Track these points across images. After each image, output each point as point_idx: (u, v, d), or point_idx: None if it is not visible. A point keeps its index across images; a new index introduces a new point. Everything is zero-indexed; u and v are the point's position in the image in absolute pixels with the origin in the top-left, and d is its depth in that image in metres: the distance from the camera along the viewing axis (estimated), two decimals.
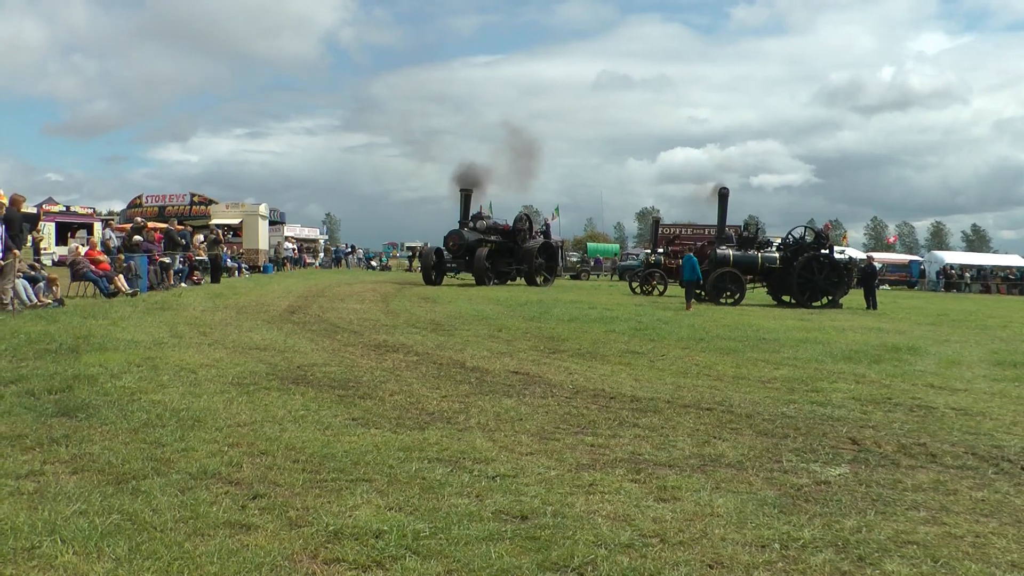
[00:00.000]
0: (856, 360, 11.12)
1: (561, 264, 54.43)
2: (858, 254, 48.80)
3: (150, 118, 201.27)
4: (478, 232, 30.44)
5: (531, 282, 31.16)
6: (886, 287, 45.64)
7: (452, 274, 30.83)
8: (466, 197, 30.83)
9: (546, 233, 34.80)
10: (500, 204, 33.27)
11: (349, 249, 61.46)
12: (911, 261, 58.49)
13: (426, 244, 48.43)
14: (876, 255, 42.37)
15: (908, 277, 53.95)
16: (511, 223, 32.14)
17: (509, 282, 31.36)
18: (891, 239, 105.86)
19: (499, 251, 30.89)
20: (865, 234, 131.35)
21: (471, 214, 31.14)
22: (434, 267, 29.75)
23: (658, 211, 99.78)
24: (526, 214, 32.59)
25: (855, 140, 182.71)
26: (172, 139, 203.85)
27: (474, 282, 29.94)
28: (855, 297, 26.27)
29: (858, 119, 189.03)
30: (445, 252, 30.72)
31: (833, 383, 9.06)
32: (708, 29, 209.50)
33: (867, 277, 26.25)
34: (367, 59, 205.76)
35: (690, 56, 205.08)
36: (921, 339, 14.54)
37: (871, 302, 24.76)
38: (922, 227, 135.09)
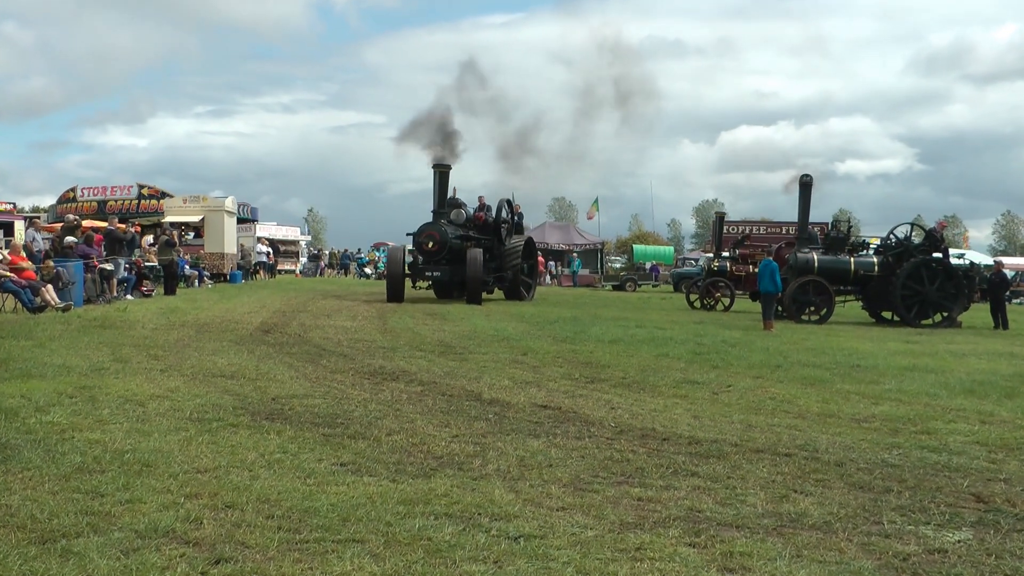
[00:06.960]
0: (981, 394, 11.02)
1: (600, 272, 54.63)
2: (983, 259, 48.28)
3: (98, 97, 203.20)
4: (457, 226, 27.08)
5: (514, 295, 28.20)
6: (1020, 301, 45.07)
7: (425, 284, 27.73)
8: (442, 176, 26.94)
9: (519, 226, 30.61)
10: (523, 199, 30.51)
11: (360, 253, 63.18)
12: None
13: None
14: (1008, 260, 41.92)
15: None
16: (482, 212, 28.75)
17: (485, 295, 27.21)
18: None
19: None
20: (993, 233, 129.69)
21: (446, 200, 27.28)
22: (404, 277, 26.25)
23: (721, 205, 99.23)
24: (508, 200, 29.34)
25: (969, 116, 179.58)
26: (125, 121, 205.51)
27: (436, 296, 27.84)
28: (979, 313, 26.05)
29: (970, 91, 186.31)
30: (416, 255, 27.21)
31: (950, 423, 8.99)
32: None
33: (995, 288, 26.00)
34: (366, 26, 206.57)
35: (757, 12, 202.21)
36: None
37: (1000, 319, 24.56)
38: None
